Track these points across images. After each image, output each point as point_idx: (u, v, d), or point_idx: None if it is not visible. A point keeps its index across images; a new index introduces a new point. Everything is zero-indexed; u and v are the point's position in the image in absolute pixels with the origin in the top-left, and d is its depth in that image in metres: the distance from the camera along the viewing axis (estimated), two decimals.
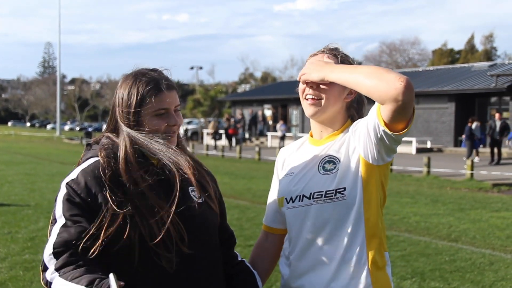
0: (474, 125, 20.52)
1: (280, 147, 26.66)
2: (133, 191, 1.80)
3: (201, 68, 55.72)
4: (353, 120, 2.08)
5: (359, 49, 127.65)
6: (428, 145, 26.92)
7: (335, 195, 1.90)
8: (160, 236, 1.77)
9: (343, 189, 1.90)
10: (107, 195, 1.78)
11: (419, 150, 25.19)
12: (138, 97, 1.86)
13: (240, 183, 14.48)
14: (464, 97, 27.11)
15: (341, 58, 2.03)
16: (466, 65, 34.95)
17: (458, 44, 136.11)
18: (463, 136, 20.41)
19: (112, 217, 1.76)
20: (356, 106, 2.11)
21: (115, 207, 1.77)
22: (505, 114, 25.12)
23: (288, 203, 2.03)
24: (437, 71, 33.30)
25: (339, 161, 1.94)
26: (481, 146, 23.63)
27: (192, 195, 1.94)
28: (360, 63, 2.12)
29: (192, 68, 54.74)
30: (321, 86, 1.98)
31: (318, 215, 1.93)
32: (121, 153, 1.85)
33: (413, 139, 25.31)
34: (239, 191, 12.75)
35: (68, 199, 1.79)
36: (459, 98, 27.22)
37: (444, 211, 10.37)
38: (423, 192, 13.12)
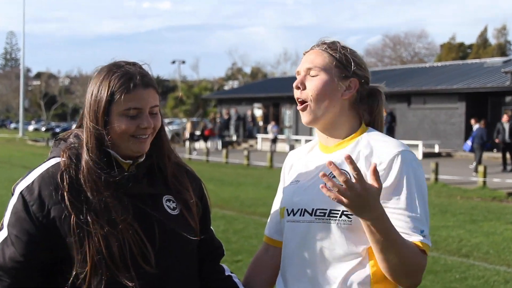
0: (476, 127, 20.72)
1: (271, 151, 26.63)
2: (94, 200, 1.78)
3: (183, 62, 55.69)
4: (366, 122, 2.03)
5: (360, 42, 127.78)
6: (436, 149, 27.04)
7: (340, 216, 1.87)
8: (118, 253, 1.75)
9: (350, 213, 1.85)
10: (67, 205, 1.76)
11: (426, 155, 25.29)
12: (108, 92, 1.82)
13: (227, 191, 14.45)
14: (475, 96, 27.28)
15: (339, 55, 1.98)
16: (478, 60, 35.20)
17: (469, 37, 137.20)
18: (469, 140, 20.50)
19: (73, 234, 1.75)
20: (368, 98, 2.05)
21: (74, 222, 1.75)
22: None
23: (288, 215, 2.00)
24: (446, 67, 33.51)
25: (350, 177, 1.87)
26: (495, 150, 23.79)
27: (166, 205, 1.91)
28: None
29: (173, 62, 54.66)
30: (308, 81, 1.97)
31: (318, 234, 1.91)
32: (84, 156, 1.82)
33: (419, 143, 25.41)
34: (226, 200, 12.72)
35: (16, 212, 1.78)
36: (470, 98, 27.39)
37: (454, 222, 10.41)
38: (431, 202, 13.14)
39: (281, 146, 31.55)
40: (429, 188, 15.74)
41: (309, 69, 1.98)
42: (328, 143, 2.03)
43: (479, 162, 19.26)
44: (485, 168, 16.08)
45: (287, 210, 2.01)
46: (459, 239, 8.94)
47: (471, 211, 11.82)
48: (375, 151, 1.92)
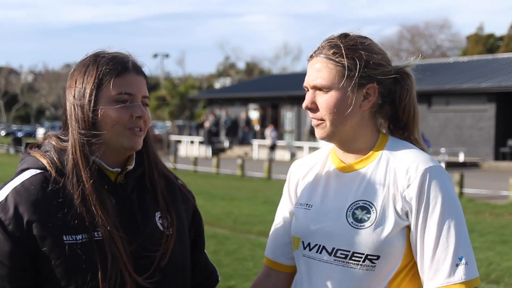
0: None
1: (269, 160, 26.62)
2: (88, 218, 1.77)
3: (167, 56, 55.76)
4: (389, 128, 2.06)
5: (377, 33, 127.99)
6: (461, 158, 27.11)
7: (364, 261, 1.91)
8: (109, 282, 1.75)
9: (375, 258, 1.90)
10: (48, 223, 1.76)
11: (449, 165, 25.33)
12: (96, 77, 1.82)
13: (218, 206, 14.48)
14: (507, 96, 27.38)
15: (348, 61, 1.94)
16: (510, 55, 35.33)
17: (499, 27, 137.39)
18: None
19: (55, 255, 1.75)
20: (395, 86, 2.01)
21: (61, 242, 1.75)
22: None
23: (304, 248, 2.02)
24: (473, 63, 33.62)
25: (376, 211, 1.92)
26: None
27: (158, 223, 1.92)
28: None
29: (155, 56, 54.69)
30: (319, 100, 1.96)
31: (335, 277, 1.94)
32: (69, 162, 1.81)
33: (442, 150, 25.46)
34: (216, 216, 12.74)
35: None
36: (501, 98, 27.49)
37: (481, 243, 10.43)
38: None
39: (281, 154, 31.60)
40: None
41: (316, 86, 1.98)
42: (345, 159, 2.04)
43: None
44: None
45: (303, 242, 2.02)
46: (488, 262, 8.97)
47: (501, 230, 11.85)
48: (401, 169, 1.93)
